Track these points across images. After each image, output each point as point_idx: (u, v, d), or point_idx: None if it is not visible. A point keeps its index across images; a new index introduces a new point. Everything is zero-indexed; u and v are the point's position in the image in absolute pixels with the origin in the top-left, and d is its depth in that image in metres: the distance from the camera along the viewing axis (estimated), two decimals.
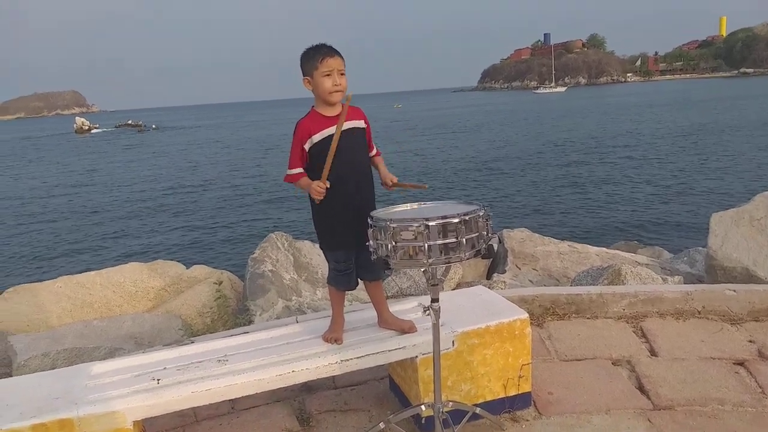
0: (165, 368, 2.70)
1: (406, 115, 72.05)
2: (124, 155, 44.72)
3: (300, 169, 2.72)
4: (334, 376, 3.30)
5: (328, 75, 2.64)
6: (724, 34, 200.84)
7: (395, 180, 2.82)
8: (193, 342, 3.40)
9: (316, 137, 2.67)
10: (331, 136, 2.63)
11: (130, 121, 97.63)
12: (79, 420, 2.33)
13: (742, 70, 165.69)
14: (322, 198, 2.62)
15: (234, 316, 5.39)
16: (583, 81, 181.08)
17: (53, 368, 4.13)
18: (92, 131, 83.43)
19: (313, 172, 2.69)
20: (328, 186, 2.60)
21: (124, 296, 6.02)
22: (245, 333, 3.23)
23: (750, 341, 3.63)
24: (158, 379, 2.58)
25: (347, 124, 2.71)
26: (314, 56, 2.65)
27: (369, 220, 2.27)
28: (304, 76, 2.72)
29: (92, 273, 6.26)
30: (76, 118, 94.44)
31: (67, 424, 2.33)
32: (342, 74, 2.68)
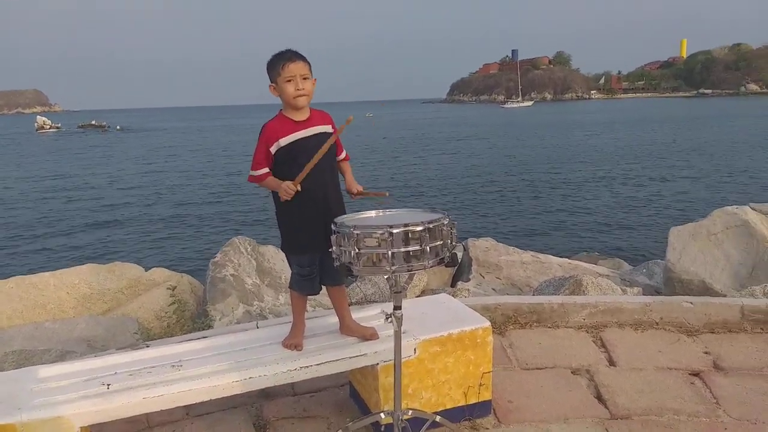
0: (116, 373, 2.60)
1: (377, 124, 72.30)
2: (85, 156, 43.70)
3: (266, 169, 2.69)
4: (293, 383, 3.24)
5: (290, 80, 2.64)
6: (685, 56, 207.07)
7: (360, 189, 2.82)
8: (148, 346, 3.30)
9: (283, 141, 2.65)
10: (299, 141, 2.65)
11: (93, 122, 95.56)
12: (22, 426, 2.23)
13: (701, 90, 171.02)
14: (289, 199, 2.60)
15: (193, 320, 5.28)
16: (549, 97, 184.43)
17: (0, 371, 3.98)
18: (53, 130, 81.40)
19: (278, 175, 2.68)
20: (299, 189, 2.58)
21: (79, 298, 5.84)
22: (203, 338, 3.15)
23: (705, 352, 3.70)
24: (108, 384, 2.49)
25: (316, 129, 2.72)
26: (277, 63, 2.65)
27: (333, 226, 2.24)
28: (270, 83, 2.71)
29: (46, 274, 6.06)
30: (38, 117, 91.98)
31: (9, 430, 2.22)
32: (305, 78, 2.66)
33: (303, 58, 2.67)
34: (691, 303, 4.15)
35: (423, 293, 6.12)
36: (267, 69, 2.70)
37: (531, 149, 36.63)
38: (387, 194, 2.75)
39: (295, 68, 2.64)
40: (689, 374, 3.44)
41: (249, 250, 6.48)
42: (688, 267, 5.45)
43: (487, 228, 14.94)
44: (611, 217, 16.41)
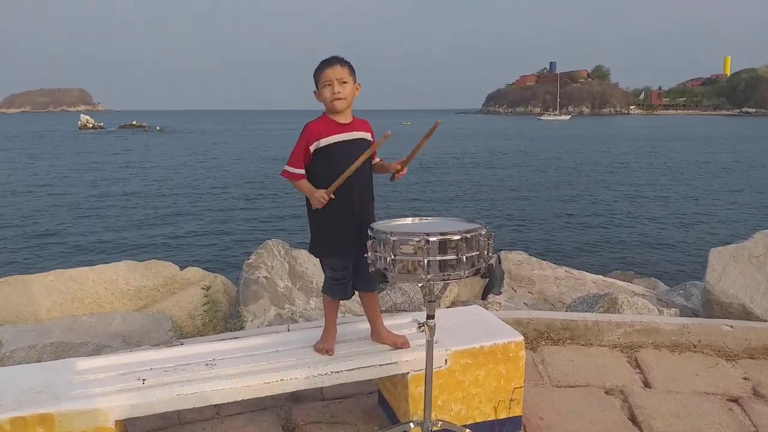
0: (151, 368, 2.65)
1: (414, 132, 72.24)
2: (126, 155, 44.69)
3: (302, 170, 2.71)
4: (322, 388, 3.25)
5: (328, 85, 2.68)
6: (728, 73, 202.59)
7: (401, 162, 2.78)
8: (182, 344, 3.35)
9: (324, 141, 2.67)
10: (339, 143, 2.67)
11: (134, 122, 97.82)
12: (60, 415, 2.28)
13: (744, 109, 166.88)
14: (320, 207, 2.63)
15: (225, 320, 5.34)
16: (586, 110, 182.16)
17: (39, 361, 4.07)
18: (96, 129, 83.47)
19: (312, 176, 2.71)
20: (332, 198, 2.60)
21: (116, 294, 5.96)
22: (235, 338, 3.18)
23: (745, 378, 3.59)
24: (144, 379, 2.53)
25: (358, 134, 2.75)
26: (318, 69, 2.72)
27: (369, 231, 2.24)
28: (314, 89, 2.77)
29: (85, 269, 6.20)
30: (81, 115, 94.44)
31: (48, 419, 2.27)
32: (344, 82, 2.69)
33: (341, 62, 2.70)
34: (731, 326, 4.04)
35: (453, 304, 6.08)
36: (313, 76, 2.76)
37: (567, 163, 36.20)
38: (439, 122, 2.58)
39: (332, 73, 2.67)
40: (727, 400, 3.34)
41: (282, 253, 6.53)
42: (727, 289, 5.30)
43: (520, 241, 14.80)
44: (647, 234, 16.09)
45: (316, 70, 2.73)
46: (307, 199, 2.75)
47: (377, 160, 2.92)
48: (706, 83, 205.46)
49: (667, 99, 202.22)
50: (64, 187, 26.43)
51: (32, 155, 45.04)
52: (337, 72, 2.68)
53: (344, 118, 2.74)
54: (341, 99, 2.68)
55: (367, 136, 2.80)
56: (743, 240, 5.77)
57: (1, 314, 5.42)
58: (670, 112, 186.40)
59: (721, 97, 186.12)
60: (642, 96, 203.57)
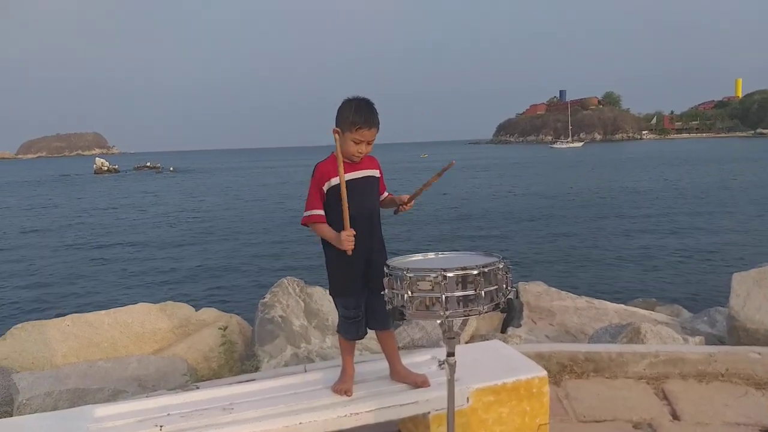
0: (169, 414, 2.61)
1: (432, 165, 72.74)
2: (140, 196, 45.21)
3: (321, 211, 2.69)
4: (342, 430, 3.18)
5: (358, 143, 2.66)
6: (740, 95, 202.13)
7: (407, 197, 2.79)
8: (198, 388, 3.31)
9: (335, 180, 2.67)
10: (349, 181, 2.64)
11: (148, 163, 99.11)
12: None
13: (759, 130, 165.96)
14: (352, 247, 2.56)
15: (241, 361, 5.28)
16: (598, 137, 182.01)
17: (55, 409, 4.04)
18: (110, 172, 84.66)
19: (329, 216, 2.70)
20: (355, 233, 2.56)
21: (131, 337, 5.94)
22: (252, 380, 3.14)
23: None
24: (161, 426, 2.49)
25: (366, 172, 2.76)
26: (354, 120, 2.64)
27: (385, 268, 2.21)
28: (336, 126, 2.70)
29: (101, 312, 6.19)
30: (96, 158, 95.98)
31: None
32: (369, 144, 2.69)
33: (377, 125, 2.68)
34: (759, 354, 3.93)
35: (472, 339, 5.98)
36: (340, 112, 2.69)
37: (582, 190, 36.01)
38: (454, 162, 2.64)
39: (367, 134, 2.66)
40: (759, 430, 3.22)
41: (297, 291, 6.49)
42: (753, 315, 5.17)
43: (538, 271, 14.61)
44: (668, 260, 15.84)
45: (348, 115, 2.65)
46: (325, 242, 2.74)
47: (386, 194, 2.91)
48: (718, 106, 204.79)
49: (680, 123, 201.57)
50: (78, 230, 26.69)
51: (49, 198, 45.70)
52: (372, 135, 2.68)
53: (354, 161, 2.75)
54: (362, 154, 2.70)
55: (375, 173, 2.82)
56: (766, 263, 5.66)
57: (17, 361, 5.41)
58: (684, 135, 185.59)
59: (734, 119, 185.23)
60: (654, 120, 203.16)
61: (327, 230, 2.68)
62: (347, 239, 2.55)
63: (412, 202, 2.80)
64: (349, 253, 2.57)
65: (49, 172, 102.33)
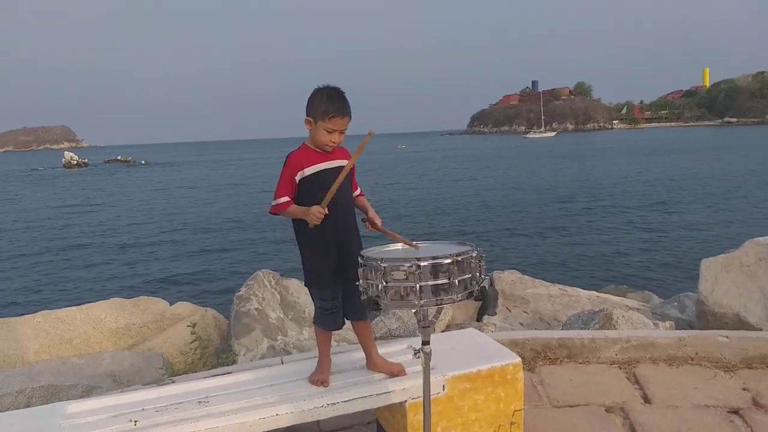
0: (143, 409, 2.59)
1: (409, 155, 72.95)
2: (111, 190, 44.46)
3: (287, 198, 2.67)
4: (319, 420, 3.18)
5: (330, 132, 2.65)
6: (708, 85, 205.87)
7: (379, 224, 2.74)
8: (173, 382, 3.28)
9: (308, 170, 2.66)
10: (322, 171, 2.65)
11: (119, 157, 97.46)
12: None
13: (726, 119, 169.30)
14: (318, 223, 2.54)
15: (217, 355, 5.25)
16: (570, 127, 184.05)
17: (27, 406, 3.98)
18: (80, 166, 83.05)
19: (300, 204, 2.66)
20: (327, 213, 2.54)
21: (105, 333, 5.86)
22: (228, 373, 3.13)
23: (744, 389, 3.57)
24: (136, 421, 2.47)
25: (338, 162, 2.73)
26: (326, 109, 2.62)
27: (359, 259, 2.21)
28: (307, 115, 2.68)
29: (73, 308, 6.09)
30: (65, 152, 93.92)
31: None
32: (342, 133, 2.68)
33: (349, 114, 2.67)
34: (727, 337, 4.02)
35: (448, 328, 6.03)
36: (311, 101, 2.67)
37: (555, 179, 36.40)
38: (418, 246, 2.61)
39: (341, 123, 2.65)
40: (728, 412, 3.32)
41: (273, 283, 6.47)
42: (721, 300, 5.30)
43: (513, 260, 14.77)
44: (638, 248, 16.13)
45: (319, 103, 2.63)
46: (296, 229, 2.72)
47: (358, 192, 2.88)
48: (687, 95, 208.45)
49: (649, 112, 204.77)
50: (47, 225, 26.19)
51: (16, 195, 44.68)
52: (344, 123, 2.66)
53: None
54: (334, 144, 2.69)
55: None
56: (733, 249, 5.79)
57: None
58: (653, 125, 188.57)
59: (702, 108, 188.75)
60: (624, 110, 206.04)
61: (295, 208, 2.65)
62: (316, 214, 2.51)
63: (379, 227, 2.71)
64: (311, 226, 2.55)
65: (18, 166, 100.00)
